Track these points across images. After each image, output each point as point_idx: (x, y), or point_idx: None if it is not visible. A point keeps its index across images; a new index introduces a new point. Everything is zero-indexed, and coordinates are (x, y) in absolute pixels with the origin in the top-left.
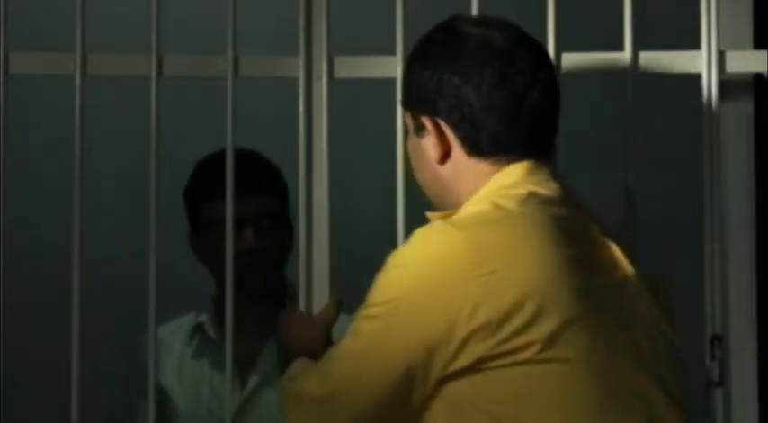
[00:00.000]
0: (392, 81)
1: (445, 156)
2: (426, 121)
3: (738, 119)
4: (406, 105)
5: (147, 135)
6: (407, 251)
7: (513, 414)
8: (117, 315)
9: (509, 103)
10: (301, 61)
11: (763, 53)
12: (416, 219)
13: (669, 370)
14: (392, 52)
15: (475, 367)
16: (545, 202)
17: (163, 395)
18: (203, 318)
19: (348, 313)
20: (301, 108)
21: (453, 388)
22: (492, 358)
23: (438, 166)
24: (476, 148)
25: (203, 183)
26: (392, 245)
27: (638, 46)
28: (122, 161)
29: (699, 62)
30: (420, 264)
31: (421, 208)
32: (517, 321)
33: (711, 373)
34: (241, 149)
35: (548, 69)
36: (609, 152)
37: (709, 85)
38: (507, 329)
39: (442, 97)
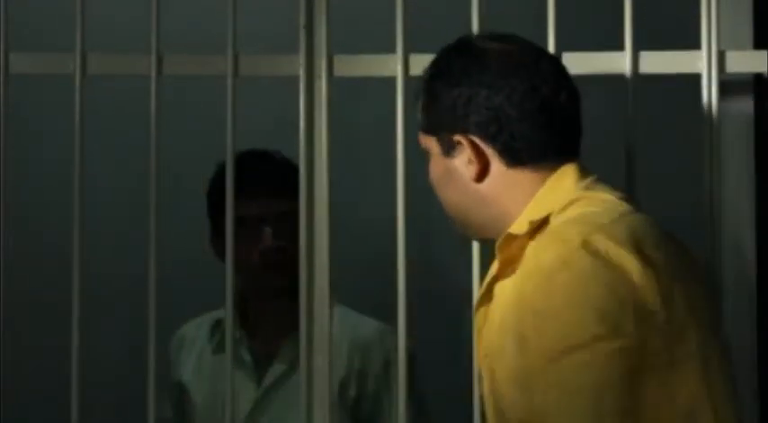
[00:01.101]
0: (392, 79)
1: (483, 172)
2: (461, 138)
3: (738, 119)
4: (431, 129)
5: (146, 135)
6: (546, 269)
7: None
8: (117, 315)
9: (541, 109)
10: (302, 60)
11: (763, 53)
12: (416, 218)
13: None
14: (392, 51)
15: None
16: (623, 201)
17: (182, 391)
18: (222, 314)
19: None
20: (302, 107)
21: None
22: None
23: (474, 185)
24: (516, 158)
25: (225, 183)
26: (392, 244)
27: (638, 46)
28: (122, 161)
29: (699, 62)
30: (568, 274)
31: (420, 207)
32: (660, 324)
33: None
34: (265, 150)
35: (567, 76)
36: (608, 152)
37: (710, 85)
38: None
39: (473, 112)
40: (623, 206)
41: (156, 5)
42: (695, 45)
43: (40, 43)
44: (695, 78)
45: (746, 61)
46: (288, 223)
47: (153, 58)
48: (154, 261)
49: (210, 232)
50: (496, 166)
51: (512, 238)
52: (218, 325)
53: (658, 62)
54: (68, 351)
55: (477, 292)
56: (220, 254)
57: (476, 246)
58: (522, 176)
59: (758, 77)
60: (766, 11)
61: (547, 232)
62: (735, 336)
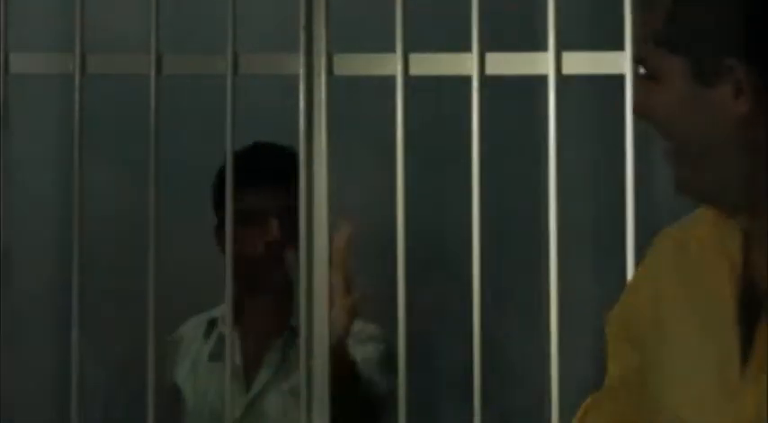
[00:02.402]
0: (392, 78)
1: (759, 110)
2: (734, 64)
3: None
4: (677, 47)
5: (146, 135)
6: None
7: None
8: (116, 315)
9: None
10: (301, 58)
11: None
12: (416, 216)
13: None
14: (392, 50)
15: None
16: None
17: (177, 394)
18: (217, 313)
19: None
20: (302, 105)
21: None
22: None
23: (740, 124)
24: None
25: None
26: (392, 243)
27: None
28: (122, 160)
29: None
30: None
31: (420, 205)
32: None
33: None
34: (274, 143)
35: None
36: (609, 152)
37: None
38: None
39: (761, 31)
40: None
41: (156, 5)
42: None
43: (41, 43)
44: None
45: None
46: (293, 217)
47: (153, 57)
48: (153, 261)
49: (216, 224)
50: None
51: None
52: (212, 324)
53: None
54: (68, 351)
55: (477, 290)
56: (224, 245)
57: (476, 245)
58: None
59: None
60: None
61: None
62: None
